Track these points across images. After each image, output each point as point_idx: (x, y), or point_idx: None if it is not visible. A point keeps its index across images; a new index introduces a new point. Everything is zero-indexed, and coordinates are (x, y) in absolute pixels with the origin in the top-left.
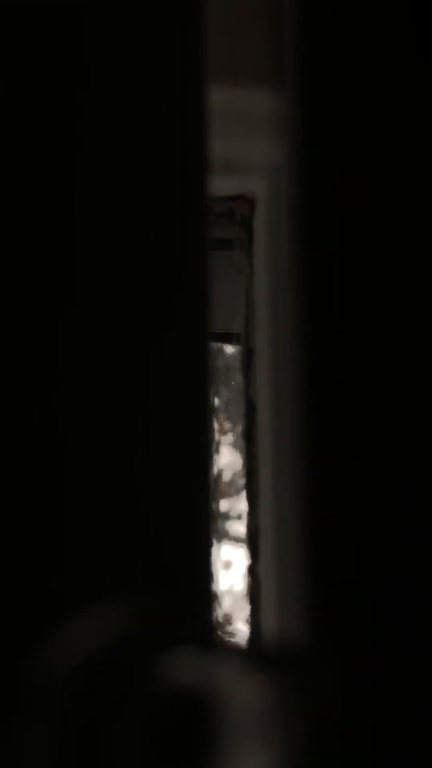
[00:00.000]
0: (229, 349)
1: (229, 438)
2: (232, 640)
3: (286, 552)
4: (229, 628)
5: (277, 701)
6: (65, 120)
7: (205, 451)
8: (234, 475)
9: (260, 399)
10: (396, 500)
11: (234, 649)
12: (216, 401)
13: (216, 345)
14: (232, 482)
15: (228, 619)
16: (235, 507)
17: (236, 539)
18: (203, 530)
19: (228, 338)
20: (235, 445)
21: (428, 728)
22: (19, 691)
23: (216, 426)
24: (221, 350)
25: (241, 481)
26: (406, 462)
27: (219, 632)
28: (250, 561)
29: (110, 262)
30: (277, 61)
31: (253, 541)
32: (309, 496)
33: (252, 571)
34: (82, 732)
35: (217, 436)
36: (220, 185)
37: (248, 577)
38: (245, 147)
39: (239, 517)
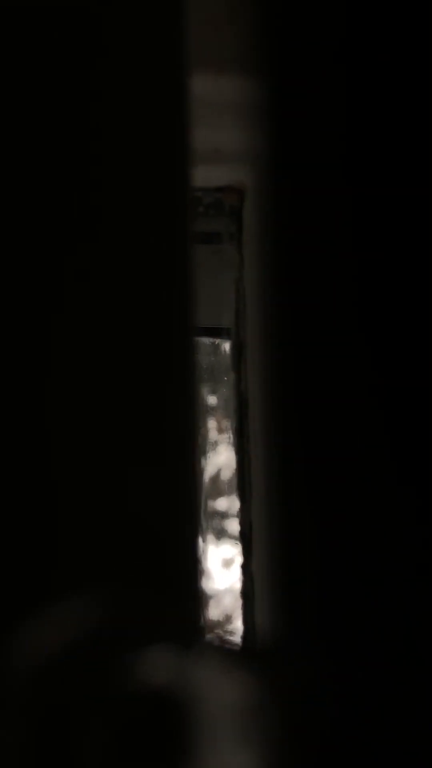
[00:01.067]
0: (228, 346)
1: (227, 437)
2: (216, 638)
3: (278, 549)
4: (229, 627)
5: (257, 700)
6: (39, 108)
7: (193, 447)
8: (232, 473)
9: (252, 394)
10: (390, 497)
11: (215, 647)
12: (214, 400)
13: (213, 342)
14: (230, 481)
15: (228, 618)
16: (234, 505)
17: (235, 538)
18: (191, 528)
19: (218, 333)
20: (233, 452)
21: (414, 725)
22: None
23: (214, 425)
24: (219, 347)
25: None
26: (400, 457)
27: (208, 631)
28: (243, 558)
29: (88, 256)
30: (264, 48)
31: (246, 538)
32: (299, 491)
33: (245, 568)
34: (50, 730)
35: (215, 435)
36: (209, 176)
37: (242, 574)
38: (234, 136)
39: (238, 515)
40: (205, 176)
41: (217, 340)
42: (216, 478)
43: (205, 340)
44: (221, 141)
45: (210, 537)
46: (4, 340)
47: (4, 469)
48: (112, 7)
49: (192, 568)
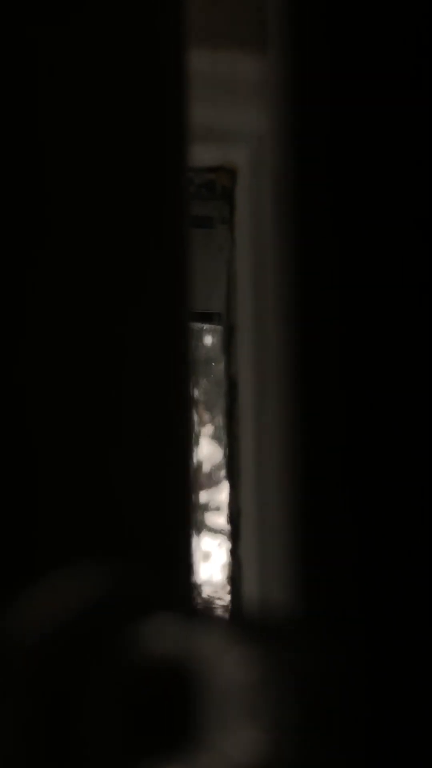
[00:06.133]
0: (209, 339)
1: (208, 429)
2: (216, 609)
3: (268, 532)
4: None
5: (264, 674)
6: (36, 84)
7: (186, 417)
8: (213, 467)
9: (242, 377)
10: (383, 480)
11: (219, 619)
12: (195, 393)
13: (201, 328)
14: (211, 474)
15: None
16: (215, 498)
17: (216, 530)
18: (183, 498)
19: (209, 318)
20: (214, 436)
21: (419, 698)
22: None
23: (195, 418)
24: (201, 341)
25: (221, 473)
26: (393, 441)
27: (200, 601)
28: (231, 543)
29: (82, 238)
30: (261, 24)
31: (234, 522)
32: (293, 473)
33: (234, 552)
34: (51, 705)
35: (196, 427)
36: (200, 156)
37: (230, 558)
38: (226, 114)
39: (218, 508)
40: (196, 156)
41: (205, 326)
42: (197, 471)
43: (195, 325)
44: (214, 119)
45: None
46: None
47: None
48: None
49: (184, 536)
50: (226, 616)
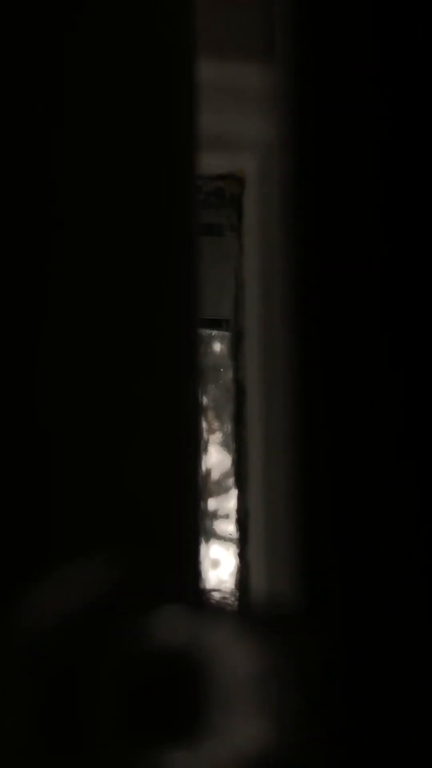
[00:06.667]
0: (218, 346)
1: (217, 437)
2: (224, 602)
3: (276, 537)
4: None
5: (271, 666)
6: (47, 93)
7: (196, 419)
8: (222, 474)
9: (250, 383)
10: (391, 481)
11: (226, 611)
12: (204, 400)
13: (210, 334)
14: (220, 481)
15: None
16: (224, 506)
17: (225, 538)
18: (193, 498)
19: (217, 324)
20: (223, 444)
21: (417, 691)
22: None
23: (204, 425)
24: (210, 348)
25: (230, 481)
26: (401, 441)
27: (209, 594)
28: (239, 547)
29: (93, 247)
30: (269, 33)
31: (242, 527)
32: (299, 477)
33: (242, 556)
34: (61, 696)
35: (205, 435)
36: (209, 163)
37: (239, 562)
38: (235, 122)
39: (227, 516)
40: (205, 164)
41: (214, 332)
42: (205, 478)
43: (204, 332)
44: (223, 127)
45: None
46: (4, 331)
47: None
48: None
49: (193, 529)
50: (234, 608)
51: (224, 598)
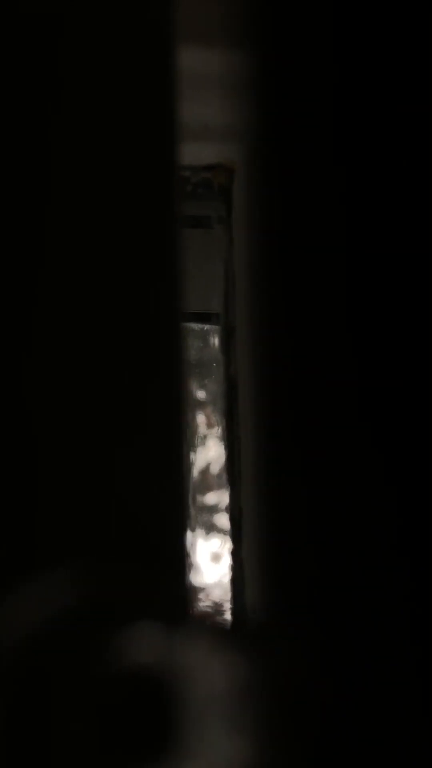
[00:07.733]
0: (215, 340)
1: (216, 431)
2: (205, 615)
3: (269, 534)
4: (218, 618)
5: (248, 682)
6: (23, 85)
7: (180, 426)
8: (221, 468)
9: (241, 378)
10: (381, 483)
11: (204, 626)
12: (203, 394)
13: (203, 328)
14: (219, 475)
15: (218, 611)
16: (223, 500)
17: (224, 531)
18: (178, 501)
19: (207, 318)
20: (222, 438)
21: (408, 707)
22: None
23: (203, 419)
24: (207, 343)
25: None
26: (392, 442)
27: (194, 607)
28: (232, 545)
29: (72, 240)
30: (254, 20)
31: (236, 524)
32: (290, 475)
33: (235, 554)
34: (25, 715)
35: (204, 429)
36: (197, 154)
37: (231, 560)
38: (223, 111)
39: (227, 509)
40: (193, 154)
41: (206, 326)
42: (205, 472)
43: (194, 326)
44: (210, 116)
45: (200, 531)
46: None
47: None
48: None
49: (178, 541)
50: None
51: (207, 609)
